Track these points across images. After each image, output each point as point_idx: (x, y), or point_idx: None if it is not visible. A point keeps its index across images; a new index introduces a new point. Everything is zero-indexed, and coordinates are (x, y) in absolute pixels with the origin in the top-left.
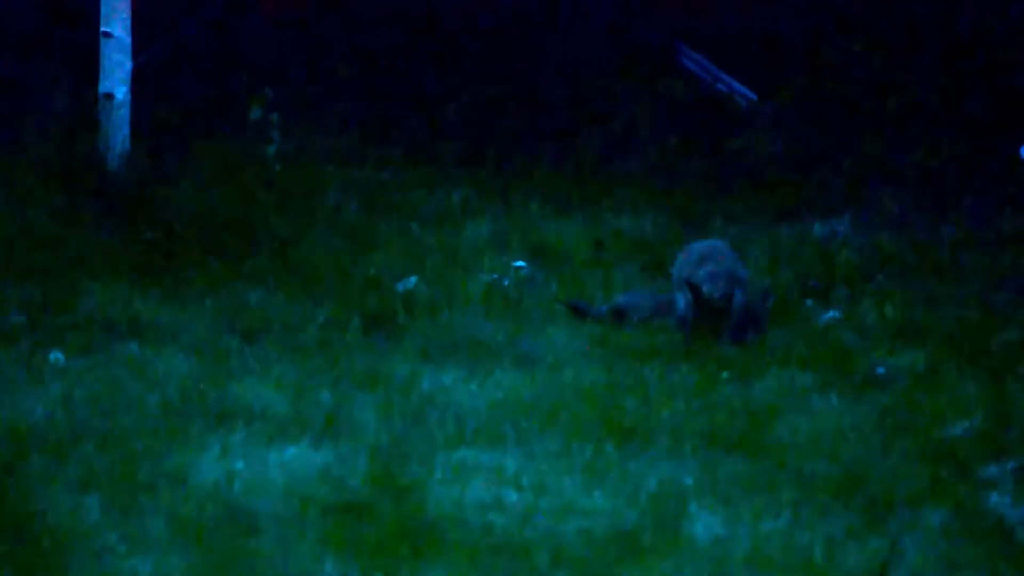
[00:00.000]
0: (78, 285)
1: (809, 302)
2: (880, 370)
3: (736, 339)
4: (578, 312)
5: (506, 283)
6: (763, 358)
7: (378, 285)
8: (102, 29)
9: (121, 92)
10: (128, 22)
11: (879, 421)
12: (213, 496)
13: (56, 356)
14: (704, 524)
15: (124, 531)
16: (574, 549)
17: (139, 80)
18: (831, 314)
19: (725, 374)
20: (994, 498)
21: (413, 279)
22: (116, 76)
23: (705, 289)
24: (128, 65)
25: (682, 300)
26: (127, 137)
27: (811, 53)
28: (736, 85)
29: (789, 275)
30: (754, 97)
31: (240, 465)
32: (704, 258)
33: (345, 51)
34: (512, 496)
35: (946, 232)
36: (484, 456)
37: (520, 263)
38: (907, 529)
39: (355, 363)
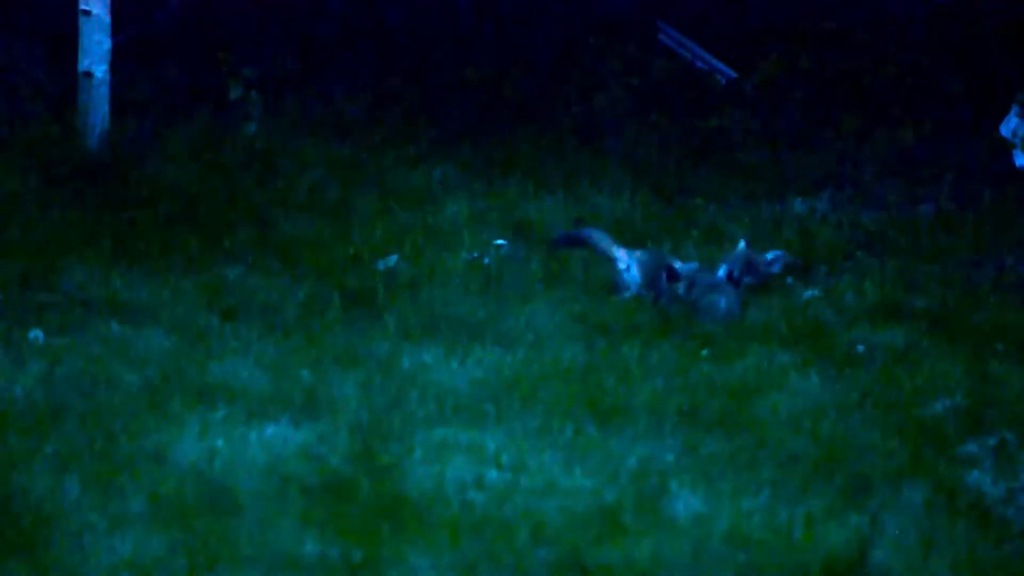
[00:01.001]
0: (58, 263)
1: (789, 280)
2: (860, 348)
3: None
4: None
5: (486, 261)
6: (743, 336)
7: (358, 263)
8: (81, 7)
9: (100, 70)
10: (107, 0)
11: (859, 399)
12: (193, 474)
13: (36, 334)
14: (684, 502)
15: (104, 509)
16: (555, 527)
17: (119, 58)
18: (811, 292)
19: (705, 352)
20: (974, 475)
21: (393, 257)
22: (95, 54)
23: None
24: (107, 43)
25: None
26: (107, 115)
27: (790, 31)
28: (715, 63)
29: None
30: (733, 75)
31: (220, 443)
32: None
33: (325, 31)
34: (492, 474)
35: (925, 210)
36: (464, 434)
37: (500, 241)
38: (887, 506)
39: (335, 341)
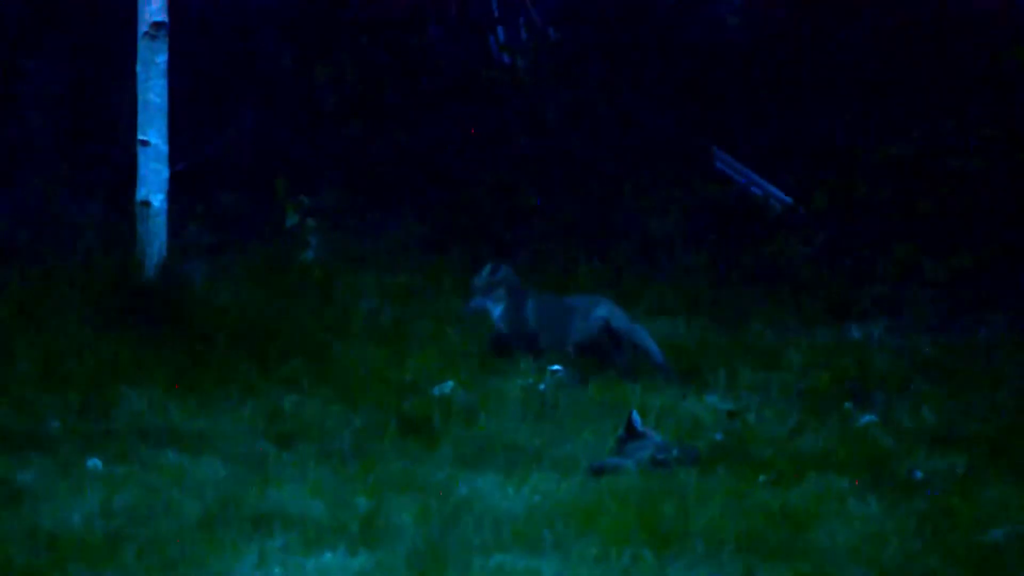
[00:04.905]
0: (115, 392)
1: (847, 405)
2: (918, 474)
3: None
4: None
5: (542, 387)
6: (800, 462)
7: (414, 389)
8: (139, 137)
9: (158, 199)
10: (165, 130)
11: (918, 526)
12: None
13: (94, 463)
14: None
15: None
16: None
17: (176, 187)
18: (868, 418)
19: (762, 478)
20: None
21: (449, 384)
22: (153, 183)
23: None
24: (165, 173)
25: None
26: (164, 244)
27: (844, 157)
28: (771, 188)
29: (826, 378)
30: (789, 200)
31: (278, 572)
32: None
33: (379, 158)
34: None
35: (983, 335)
36: (521, 561)
37: (556, 367)
38: None
39: (391, 468)
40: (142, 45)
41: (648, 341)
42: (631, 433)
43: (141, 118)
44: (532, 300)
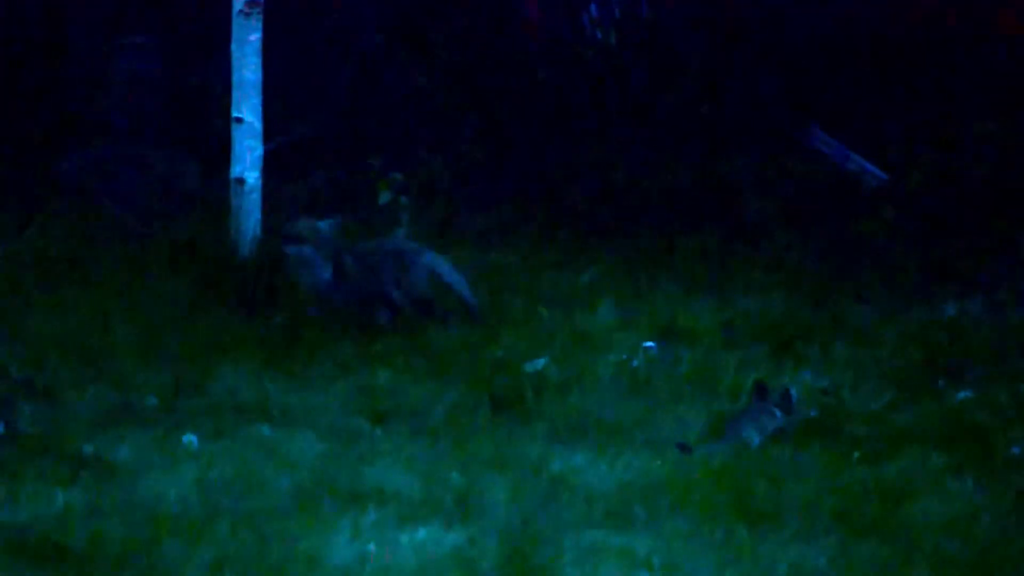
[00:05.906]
0: (211, 368)
1: (942, 382)
2: (1016, 450)
3: None
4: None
5: (635, 364)
6: (895, 438)
7: (507, 366)
8: (233, 114)
9: (252, 177)
10: (259, 107)
11: (1015, 502)
12: None
13: (189, 439)
14: None
15: None
16: None
17: (270, 164)
18: (964, 394)
19: (856, 454)
20: None
21: (542, 360)
22: (247, 161)
23: None
24: (259, 150)
25: None
26: (258, 222)
27: (941, 132)
28: (865, 164)
29: (920, 354)
30: (884, 176)
31: (372, 547)
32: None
33: (474, 135)
34: None
35: None
36: (615, 537)
37: (649, 343)
38: None
39: (484, 444)
40: (236, 23)
41: (462, 284)
42: (760, 399)
43: (235, 95)
44: (349, 260)
